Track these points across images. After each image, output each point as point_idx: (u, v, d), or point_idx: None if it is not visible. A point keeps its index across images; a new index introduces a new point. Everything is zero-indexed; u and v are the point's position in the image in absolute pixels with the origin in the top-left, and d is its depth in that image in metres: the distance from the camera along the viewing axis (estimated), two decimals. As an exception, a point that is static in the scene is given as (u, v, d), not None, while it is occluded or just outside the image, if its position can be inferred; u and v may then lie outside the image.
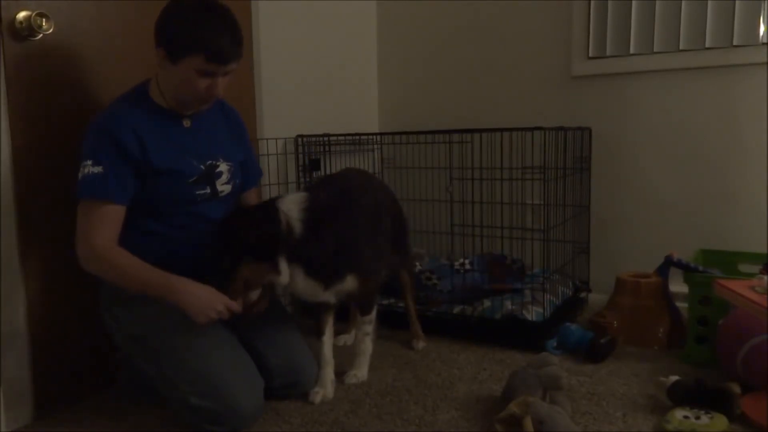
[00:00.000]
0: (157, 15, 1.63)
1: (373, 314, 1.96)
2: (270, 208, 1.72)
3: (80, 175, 1.60)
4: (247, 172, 1.95)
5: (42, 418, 1.77)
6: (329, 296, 1.81)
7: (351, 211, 1.81)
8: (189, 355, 1.61)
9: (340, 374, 1.95)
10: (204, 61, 1.59)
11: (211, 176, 1.78)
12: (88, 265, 1.61)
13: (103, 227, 1.60)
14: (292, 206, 1.72)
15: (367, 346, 1.98)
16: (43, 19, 1.67)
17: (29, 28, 1.66)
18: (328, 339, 1.91)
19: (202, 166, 1.75)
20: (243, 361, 1.68)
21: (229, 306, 1.62)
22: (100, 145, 1.60)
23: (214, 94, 1.67)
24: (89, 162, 1.59)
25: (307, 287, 1.76)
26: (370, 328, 1.97)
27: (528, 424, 1.48)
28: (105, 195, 1.59)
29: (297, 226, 1.69)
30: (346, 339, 2.31)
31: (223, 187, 1.81)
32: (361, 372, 1.96)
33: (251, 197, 2.02)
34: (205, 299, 1.59)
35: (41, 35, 1.69)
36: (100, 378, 1.93)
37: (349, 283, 1.80)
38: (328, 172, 2.64)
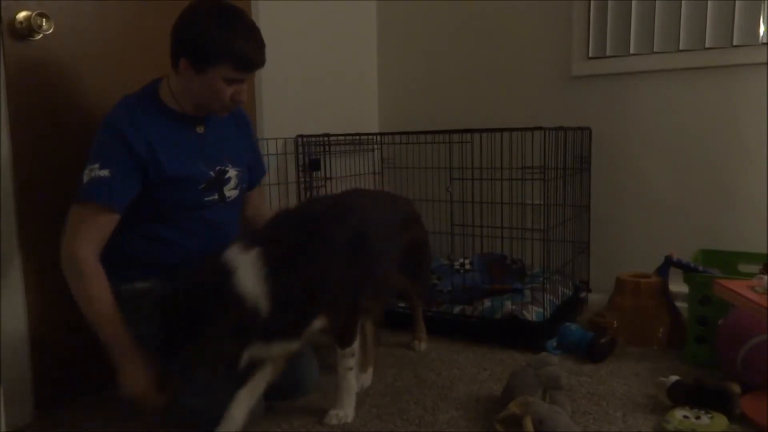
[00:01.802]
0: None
1: (354, 347, 1.74)
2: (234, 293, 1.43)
3: (86, 178, 1.57)
4: (253, 171, 1.94)
5: (42, 417, 1.77)
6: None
7: (317, 254, 1.57)
8: (188, 355, 1.60)
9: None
10: (232, 69, 1.58)
11: (220, 182, 1.76)
12: (64, 267, 1.56)
13: (92, 236, 1.55)
14: (253, 280, 1.44)
15: (350, 382, 1.75)
16: (43, 19, 1.67)
17: (29, 28, 1.66)
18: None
19: (211, 172, 1.74)
20: (242, 361, 1.67)
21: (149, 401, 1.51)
22: (109, 148, 1.58)
23: (240, 100, 1.66)
24: (96, 165, 1.56)
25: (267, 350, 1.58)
26: (351, 362, 1.74)
27: (528, 424, 1.48)
28: (108, 200, 1.56)
29: (263, 305, 1.45)
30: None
31: (231, 192, 1.80)
32: (344, 411, 1.72)
33: (255, 201, 2.00)
34: (133, 385, 1.51)
35: (41, 35, 1.69)
36: (100, 378, 1.93)
37: (318, 323, 1.62)
38: (328, 172, 2.64)
